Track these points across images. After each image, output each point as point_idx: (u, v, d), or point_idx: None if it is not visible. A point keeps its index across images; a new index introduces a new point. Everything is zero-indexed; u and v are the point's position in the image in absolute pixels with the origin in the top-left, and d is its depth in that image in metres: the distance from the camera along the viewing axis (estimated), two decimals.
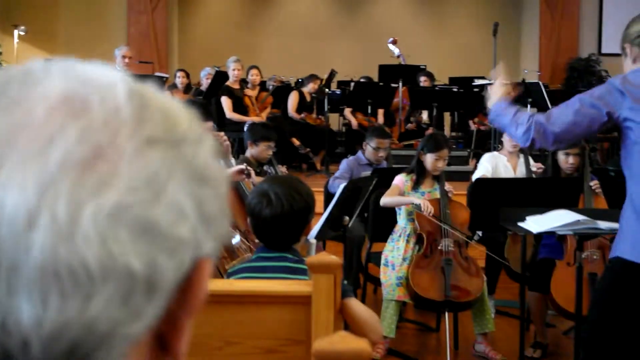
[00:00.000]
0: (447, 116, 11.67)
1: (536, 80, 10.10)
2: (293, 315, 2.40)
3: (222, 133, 5.10)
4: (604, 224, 3.20)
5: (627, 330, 2.79)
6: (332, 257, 2.35)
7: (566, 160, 5.20)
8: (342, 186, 4.14)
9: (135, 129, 0.59)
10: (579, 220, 3.33)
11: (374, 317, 2.61)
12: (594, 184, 5.15)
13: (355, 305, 2.57)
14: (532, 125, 2.79)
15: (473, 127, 10.68)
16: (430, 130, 9.16)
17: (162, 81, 10.56)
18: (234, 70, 9.78)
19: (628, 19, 2.93)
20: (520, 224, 3.54)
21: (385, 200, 5.08)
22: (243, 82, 10.16)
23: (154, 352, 0.64)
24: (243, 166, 4.23)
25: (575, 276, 3.66)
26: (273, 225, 2.65)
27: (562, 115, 2.76)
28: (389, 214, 5.24)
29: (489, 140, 9.08)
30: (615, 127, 2.79)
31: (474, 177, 6.04)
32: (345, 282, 2.60)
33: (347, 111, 10.70)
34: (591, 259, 4.62)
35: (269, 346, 2.39)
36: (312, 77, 10.82)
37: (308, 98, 10.68)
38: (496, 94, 3.04)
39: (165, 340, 0.64)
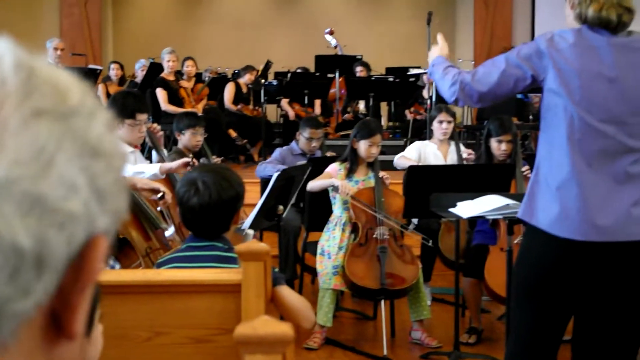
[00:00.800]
0: (384, 106, 11.72)
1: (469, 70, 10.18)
2: (223, 304, 2.37)
3: (156, 124, 5.03)
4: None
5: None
6: (261, 244, 2.33)
7: (499, 147, 5.26)
8: (275, 175, 4.12)
9: (22, 101, 0.57)
10: (508, 205, 3.37)
11: (305, 304, 2.61)
12: (525, 169, 5.23)
13: (287, 293, 2.56)
14: (458, 82, 2.77)
15: (409, 116, 10.73)
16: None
17: (95, 74, 10.41)
18: (168, 61, 9.69)
19: (560, 8, 2.86)
20: (451, 209, 3.57)
21: (311, 184, 5.10)
22: (178, 73, 10.06)
23: (49, 333, 0.62)
24: (189, 159, 4.16)
25: (506, 260, 3.70)
26: (201, 214, 2.62)
27: (488, 75, 2.73)
28: (325, 204, 5.25)
29: (425, 130, 9.14)
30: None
31: (396, 158, 6.08)
32: (277, 269, 2.59)
33: (284, 102, 10.68)
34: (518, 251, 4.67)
35: (199, 336, 2.36)
36: (249, 68, 10.77)
37: (244, 89, 10.63)
38: (436, 50, 3.03)
39: (60, 319, 0.62)
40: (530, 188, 2.75)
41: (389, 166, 6.67)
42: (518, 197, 3.60)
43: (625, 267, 2.69)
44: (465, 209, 3.48)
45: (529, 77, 2.68)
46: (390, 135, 10.98)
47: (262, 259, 2.33)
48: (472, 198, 3.56)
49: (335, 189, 4.94)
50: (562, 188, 2.63)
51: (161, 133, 5.05)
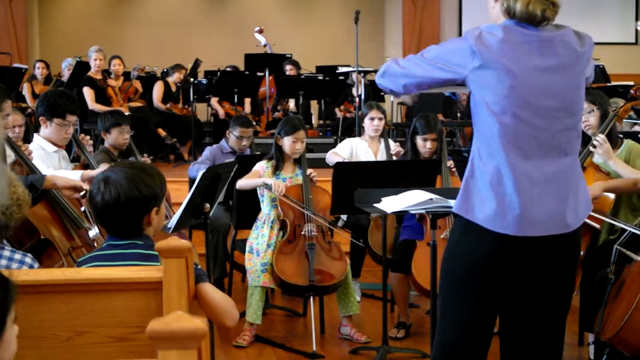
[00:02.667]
0: (314, 104, 11.75)
1: None
2: (144, 302, 2.35)
3: (88, 137, 5.00)
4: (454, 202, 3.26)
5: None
6: (181, 241, 2.31)
7: (424, 145, 5.31)
8: (201, 172, 4.09)
9: None
10: (431, 199, 3.40)
11: (229, 301, 2.60)
12: (450, 164, 5.30)
13: (210, 290, 2.55)
14: (387, 72, 2.84)
15: (339, 114, 10.79)
16: None
17: (20, 73, 10.22)
18: (95, 60, 9.58)
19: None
20: (375, 205, 3.59)
21: (241, 182, 5.10)
22: (106, 72, 9.94)
23: None
24: (83, 185, 4.03)
25: (430, 254, 3.74)
26: (108, 212, 2.58)
27: (415, 67, 2.76)
28: (253, 202, 5.24)
29: (355, 127, 9.19)
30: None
31: (328, 154, 6.11)
32: (199, 266, 2.57)
33: (214, 101, 10.65)
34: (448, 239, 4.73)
35: (121, 334, 2.34)
36: (177, 67, 10.70)
37: (174, 88, 10.56)
38: None
39: None
40: (465, 183, 2.76)
41: (318, 164, 6.70)
42: (441, 192, 3.65)
43: (557, 260, 2.75)
44: (389, 204, 3.50)
45: (455, 72, 2.69)
46: (321, 133, 11.02)
47: (183, 255, 2.32)
48: (397, 193, 3.59)
49: (269, 187, 4.93)
50: (497, 183, 2.66)
51: (90, 142, 5.04)
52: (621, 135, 4.80)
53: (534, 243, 2.68)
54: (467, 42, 2.66)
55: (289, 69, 10.98)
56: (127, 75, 10.67)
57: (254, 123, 9.04)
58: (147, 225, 2.63)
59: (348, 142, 6.27)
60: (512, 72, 2.62)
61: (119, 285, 2.36)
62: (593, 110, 4.68)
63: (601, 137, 4.52)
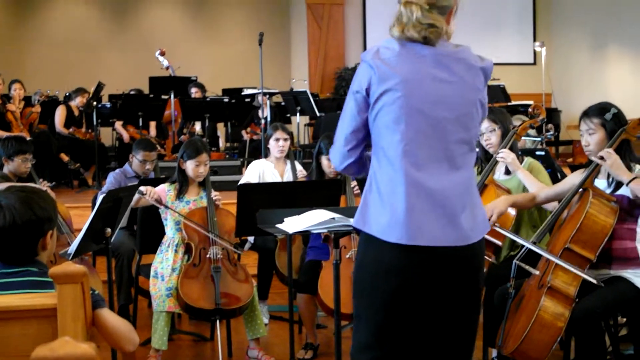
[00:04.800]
0: (220, 127, 11.72)
1: (304, 89, 10.34)
2: (39, 330, 2.30)
3: None
4: None
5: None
6: (76, 266, 2.26)
7: (329, 165, 5.34)
8: (101, 197, 4.02)
9: None
10: (333, 219, 3.42)
11: (128, 326, 2.55)
12: (354, 184, 5.34)
13: (108, 315, 2.50)
14: (331, 154, 2.88)
15: (246, 137, 10.78)
16: None
17: None
18: None
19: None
20: (277, 225, 3.59)
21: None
22: (5, 97, 9.70)
23: None
24: None
25: (333, 273, 3.75)
26: (4, 237, 2.49)
27: (345, 127, 2.79)
28: (158, 226, 5.17)
29: (262, 149, 9.19)
30: None
31: (239, 183, 6.09)
32: (96, 292, 2.52)
33: (118, 124, 10.49)
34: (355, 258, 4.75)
35: None
36: (80, 91, 10.52)
37: (76, 112, 10.37)
38: None
39: None
40: (364, 197, 2.77)
41: (224, 186, 6.67)
42: (344, 211, 3.67)
43: (456, 273, 2.75)
44: (292, 224, 3.51)
45: (368, 104, 2.72)
46: (227, 156, 10.97)
47: (78, 281, 2.27)
48: (299, 213, 3.59)
49: (141, 193, 4.89)
50: (391, 193, 2.67)
51: None
52: (520, 153, 4.92)
53: (429, 253, 2.68)
54: (366, 60, 2.69)
55: (194, 92, 10.92)
56: (28, 100, 10.43)
57: (159, 146, 8.97)
58: (42, 249, 2.56)
59: (254, 165, 6.25)
60: (407, 83, 2.65)
61: (12, 313, 2.30)
62: (494, 129, 4.78)
63: (505, 150, 4.63)
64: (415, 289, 2.73)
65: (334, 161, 2.88)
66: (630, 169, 3.97)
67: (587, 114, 4.13)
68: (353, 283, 2.87)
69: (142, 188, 4.92)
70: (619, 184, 4.00)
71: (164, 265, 4.97)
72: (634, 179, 3.88)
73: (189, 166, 5.07)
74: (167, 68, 11.78)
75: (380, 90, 2.66)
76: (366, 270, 2.77)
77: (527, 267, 4.02)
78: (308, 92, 10.24)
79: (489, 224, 2.89)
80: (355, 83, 2.74)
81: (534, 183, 4.55)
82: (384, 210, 2.67)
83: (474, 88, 2.75)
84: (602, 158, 3.95)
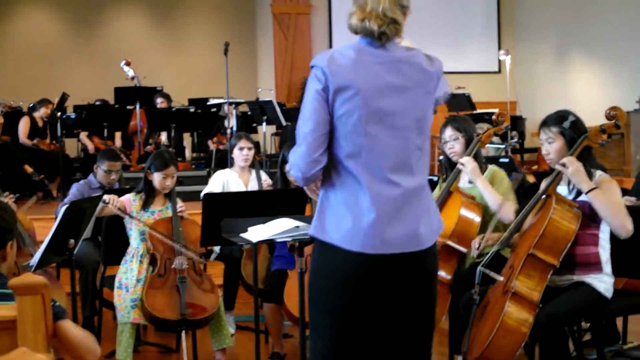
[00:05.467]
0: (187, 137, 11.67)
1: (270, 99, 10.33)
2: None
3: None
4: None
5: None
6: (37, 277, 2.24)
7: None
8: (63, 208, 3.99)
9: None
10: (297, 227, 3.42)
11: (90, 338, 2.53)
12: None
13: (69, 327, 2.48)
14: (292, 165, 2.72)
15: (212, 146, 10.74)
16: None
17: None
18: None
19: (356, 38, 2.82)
20: (242, 234, 3.58)
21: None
22: None
23: None
24: None
25: (298, 281, 3.74)
26: None
27: (306, 135, 2.66)
28: (122, 236, 5.13)
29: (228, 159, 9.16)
30: None
31: (202, 193, 6.07)
32: (58, 303, 2.49)
33: (83, 135, 10.42)
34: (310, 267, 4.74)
35: None
36: (44, 102, 10.43)
37: (40, 123, 10.29)
38: None
39: None
40: (320, 205, 2.75)
41: (190, 197, 6.64)
42: (309, 220, 3.66)
43: (413, 278, 2.75)
44: (256, 233, 3.50)
45: (325, 101, 2.65)
46: (193, 166, 10.94)
47: (39, 292, 2.24)
48: (264, 222, 3.59)
49: (105, 202, 4.86)
50: (353, 202, 2.66)
51: None
52: (485, 161, 4.94)
53: (389, 260, 2.68)
54: (320, 66, 2.64)
55: (159, 102, 10.88)
56: None
57: (125, 157, 8.91)
58: (2, 260, 2.54)
59: (218, 175, 6.23)
60: (365, 92, 2.63)
61: None
62: (458, 137, 4.81)
63: (467, 158, 4.66)
64: (373, 296, 2.72)
65: (298, 172, 2.69)
66: (590, 174, 4.02)
67: (545, 123, 4.18)
68: (308, 293, 2.84)
69: (105, 197, 4.89)
70: (580, 191, 4.04)
71: (129, 276, 4.93)
72: (593, 189, 3.93)
73: (156, 178, 5.04)
74: (133, 78, 11.72)
75: (338, 100, 2.63)
76: (322, 279, 2.75)
77: (491, 273, 4.05)
78: (274, 101, 10.23)
79: (442, 227, 2.89)
80: (311, 87, 2.67)
81: (492, 195, 4.57)
82: (345, 218, 2.66)
83: (427, 93, 2.75)
84: (564, 165, 4.00)
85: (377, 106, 2.65)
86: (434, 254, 2.82)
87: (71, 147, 11.53)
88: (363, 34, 2.68)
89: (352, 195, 2.66)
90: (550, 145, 4.13)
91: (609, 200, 3.92)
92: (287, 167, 2.76)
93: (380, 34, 2.65)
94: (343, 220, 2.66)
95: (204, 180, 9.00)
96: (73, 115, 10.44)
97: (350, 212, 2.66)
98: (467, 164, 4.63)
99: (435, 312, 2.89)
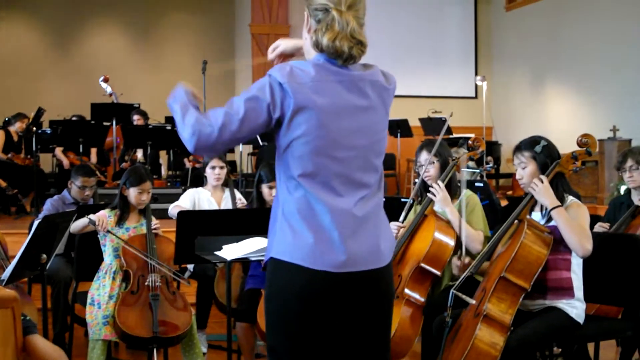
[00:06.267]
0: (163, 154, 11.65)
1: None
2: None
3: None
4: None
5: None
6: (7, 291, 2.23)
7: (270, 193, 5.35)
8: (36, 223, 3.97)
9: None
10: None
11: (59, 352, 2.53)
12: None
13: (39, 341, 2.47)
14: (197, 134, 2.56)
15: (188, 165, 10.73)
16: None
17: None
18: None
19: None
20: (216, 252, 3.57)
21: (72, 226, 4.99)
22: None
23: None
24: None
25: None
26: None
27: (229, 122, 2.56)
28: (95, 252, 5.11)
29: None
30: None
31: (170, 207, 6.06)
32: (28, 317, 2.48)
33: (58, 150, 10.38)
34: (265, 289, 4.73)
35: None
36: (19, 116, 10.41)
37: (15, 137, 10.25)
38: (182, 86, 2.76)
39: None
40: (276, 224, 2.68)
41: (164, 214, 6.61)
42: None
43: (374, 295, 2.71)
44: (230, 251, 3.50)
45: (267, 114, 2.57)
46: (169, 184, 10.91)
47: (9, 306, 2.23)
48: (238, 241, 3.58)
49: (93, 222, 4.85)
50: (312, 221, 2.60)
51: None
52: (459, 185, 4.97)
53: (354, 278, 2.64)
54: (278, 79, 2.56)
55: (136, 119, 10.86)
56: None
57: (99, 173, 8.88)
58: None
59: (190, 192, 6.25)
60: (324, 111, 2.57)
61: None
62: (433, 161, 4.84)
63: (437, 186, 4.69)
64: (336, 317, 2.67)
65: (192, 137, 2.56)
66: (563, 200, 4.06)
67: (519, 148, 4.23)
68: (265, 317, 2.76)
69: (93, 217, 4.87)
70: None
71: (101, 293, 4.91)
72: (558, 206, 3.98)
73: (132, 193, 5.04)
74: (111, 95, 11.70)
75: (296, 120, 2.57)
76: (280, 301, 2.66)
77: (463, 296, 4.06)
78: None
79: (394, 245, 2.87)
80: (261, 95, 2.56)
81: (461, 224, 4.59)
82: (305, 237, 2.59)
83: (385, 112, 2.73)
84: (534, 184, 4.07)
85: (337, 126, 2.60)
86: (391, 271, 2.80)
87: (46, 162, 11.49)
88: (331, 53, 2.63)
89: (311, 214, 2.60)
90: (524, 170, 4.18)
91: (571, 219, 3.97)
92: (189, 130, 2.50)
93: (349, 55, 2.61)
94: (304, 239, 2.59)
95: (179, 198, 9.00)
96: (49, 130, 10.40)
97: (312, 231, 2.59)
98: (437, 193, 4.68)
99: (390, 331, 2.87)
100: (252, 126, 2.58)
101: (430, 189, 4.71)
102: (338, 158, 2.62)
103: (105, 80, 11.75)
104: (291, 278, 2.62)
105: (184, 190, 9.38)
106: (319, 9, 2.65)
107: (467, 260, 4.35)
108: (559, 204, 4.01)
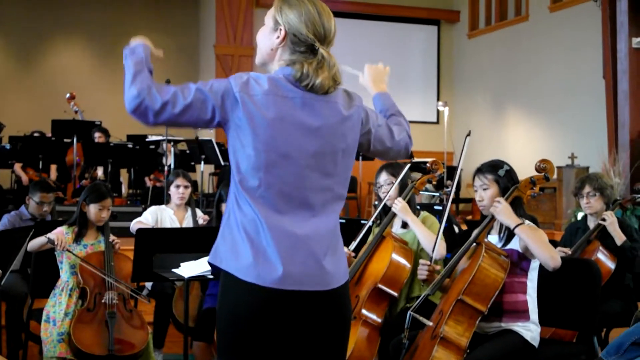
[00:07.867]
0: (124, 172, 11.59)
1: (209, 138, 10.32)
2: None
3: None
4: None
5: None
6: None
7: None
8: None
9: None
10: None
11: None
12: None
13: None
14: (141, 98, 2.51)
15: (149, 183, 10.69)
16: None
17: None
18: None
19: None
20: (174, 270, 3.57)
21: (29, 245, 4.95)
22: None
23: None
24: None
25: None
26: None
27: (174, 103, 2.51)
28: (52, 268, 5.06)
29: (164, 197, 9.12)
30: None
31: (132, 223, 6.04)
32: None
33: (17, 166, 10.29)
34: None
35: None
36: None
37: None
38: (141, 39, 2.73)
39: None
40: (221, 231, 2.65)
41: (123, 232, 6.57)
42: None
43: (322, 318, 2.66)
44: (188, 269, 3.49)
45: (211, 114, 2.56)
46: (129, 202, 10.85)
47: None
48: (196, 259, 3.58)
49: (52, 242, 4.81)
50: (254, 235, 2.56)
51: None
52: (419, 207, 5.02)
53: (294, 297, 2.59)
54: (232, 87, 2.56)
55: (97, 137, 10.80)
56: None
57: (58, 190, 8.81)
58: None
59: (153, 209, 6.24)
60: (272, 127, 2.56)
61: None
62: (392, 182, 4.89)
63: (397, 199, 4.75)
64: (279, 335, 2.61)
65: (135, 99, 2.51)
66: None
67: (480, 170, 4.29)
68: (217, 337, 2.73)
69: (52, 236, 4.83)
70: (509, 238, 4.12)
71: (57, 310, 4.86)
72: (520, 224, 4.02)
73: (92, 210, 5.01)
74: (76, 112, 11.61)
75: (243, 131, 2.56)
76: (224, 311, 2.63)
77: (421, 318, 4.09)
78: (214, 141, 10.23)
79: (348, 271, 2.86)
80: (213, 93, 2.54)
81: (423, 232, 4.65)
82: (246, 250, 2.56)
83: (339, 134, 2.68)
84: (495, 206, 4.11)
85: (282, 146, 2.58)
86: (345, 295, 2.75)
87: (4, 178, 11.37)
88: (303, 80, 2.61)
89: (253, 228, 2.57)
90: (485, 192, 4.22)
91: (536, 234, 4.01)
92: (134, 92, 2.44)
93: (320, 90, 2.61)
94: (244, 251, 2.56)
95: (139, 217, 8.96)
96: (8, 146, 10.31)
97: (252, 244, 2.56)
98: (397, 203, 4.73)
99: (345, 355, 2.85)
100: (193, 118, 2.56)
101: (393, 207, 4.76)
102: (280, 176, 2.59)
103: (72, 98, 11.63)
104: (232, 288, 2.58)
105: (144, 209, 9.36)
106: (303, 41, 2.63)
107: (437, 267, 4.38)
108: (520, 221, 4.05)
